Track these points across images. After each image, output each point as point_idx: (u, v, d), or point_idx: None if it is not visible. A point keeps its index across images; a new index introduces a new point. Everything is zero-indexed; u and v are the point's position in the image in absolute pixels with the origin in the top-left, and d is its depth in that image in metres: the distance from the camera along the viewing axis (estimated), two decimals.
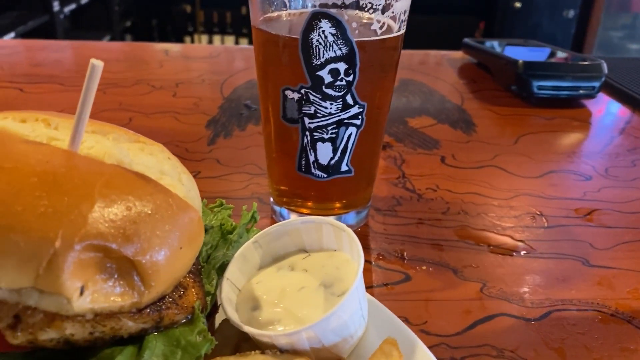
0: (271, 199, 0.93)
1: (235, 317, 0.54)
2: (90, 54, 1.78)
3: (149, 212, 0.48)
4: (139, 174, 0.51)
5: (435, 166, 1.11)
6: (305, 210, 0.88)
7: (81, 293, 0.45)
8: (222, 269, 0.61)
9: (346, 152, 0.81)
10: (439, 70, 1.79)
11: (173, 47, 1.96)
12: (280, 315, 0.54)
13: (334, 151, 0.80)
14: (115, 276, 0.47)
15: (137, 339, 0.50)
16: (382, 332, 0.59)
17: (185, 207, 0.52)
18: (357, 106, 0.77)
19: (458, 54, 1.88)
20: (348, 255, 0.60)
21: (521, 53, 1.63)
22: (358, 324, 0.57)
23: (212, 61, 1.76)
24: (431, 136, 1.25)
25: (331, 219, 0.61)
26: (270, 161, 0.89)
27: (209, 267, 0.60)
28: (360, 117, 0.78)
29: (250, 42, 0.86)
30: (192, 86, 1.52)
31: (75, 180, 0.46)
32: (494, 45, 1.75)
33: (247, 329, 0.53)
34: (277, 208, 0.91)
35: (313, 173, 0.82)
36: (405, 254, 0.84)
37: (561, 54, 1.61)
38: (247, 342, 0.57)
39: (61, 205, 0.44)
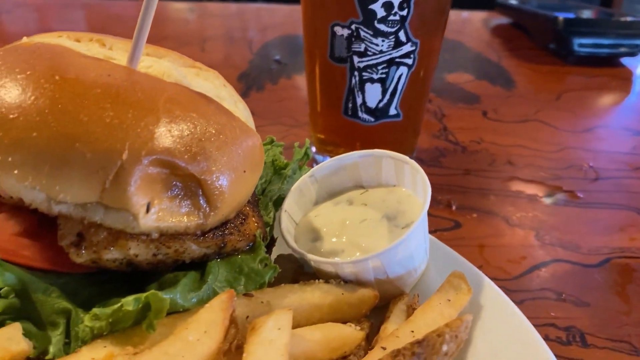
0: (313, 149, 0.90)
1: (296, 247, 0.52)
2: (110, 12, 1.75)
3: (214, 131, 0.46)
4: (201, 93, 0.49)
5: (477, 120, 1.08)
6: None
7: (147, 210, 0.43)
8: (278, 203, 0.59)
9: (395, 94, 0.78)
10: (468, 29, 1.74)
11: (197, 6, 1.92)
12: (344, 245, 0.52)
13: (383, 93, 0.77)
14: (181, 195, 0.45)
15: (198, 266, 0.48)
16: (443, 269, 0.56)
17: (247, 130, 0.50)
18: (409, 44, 0.74)
19: (482, 15, 1.82)
20: (409, 190, 0.58)
21: (558, 13, 1.57)
22: (422, 258, 0.55)
23: (239, 19, 1.72)
24: (470, 91, 1.21)
25: (391, 152, 0.59)
26: (314, 106, 0.86)
27: (265, 200, 0.58)
28: (412, 56, 0.75)
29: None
30: (220, 42, 1.49)
31: (139, 95, 0.44)
32: (529, 4, 1.68)
33: (311, 256, 0.51)
34: (319, 157, 0.89)
35: (360, 117, 0.79)
36: (452, 202, 0.81)
37: (600, 14, 1.55)
38: (303, 276, 0.55)
39: (127, 118, 0.42)
